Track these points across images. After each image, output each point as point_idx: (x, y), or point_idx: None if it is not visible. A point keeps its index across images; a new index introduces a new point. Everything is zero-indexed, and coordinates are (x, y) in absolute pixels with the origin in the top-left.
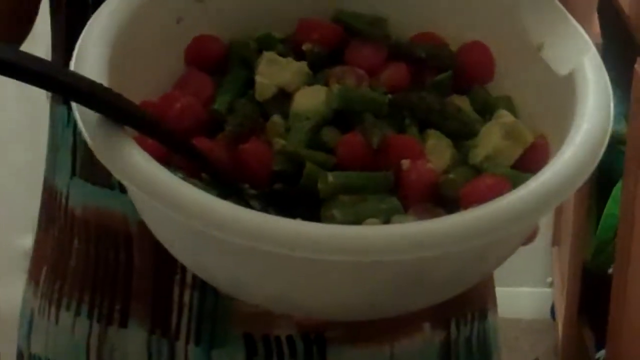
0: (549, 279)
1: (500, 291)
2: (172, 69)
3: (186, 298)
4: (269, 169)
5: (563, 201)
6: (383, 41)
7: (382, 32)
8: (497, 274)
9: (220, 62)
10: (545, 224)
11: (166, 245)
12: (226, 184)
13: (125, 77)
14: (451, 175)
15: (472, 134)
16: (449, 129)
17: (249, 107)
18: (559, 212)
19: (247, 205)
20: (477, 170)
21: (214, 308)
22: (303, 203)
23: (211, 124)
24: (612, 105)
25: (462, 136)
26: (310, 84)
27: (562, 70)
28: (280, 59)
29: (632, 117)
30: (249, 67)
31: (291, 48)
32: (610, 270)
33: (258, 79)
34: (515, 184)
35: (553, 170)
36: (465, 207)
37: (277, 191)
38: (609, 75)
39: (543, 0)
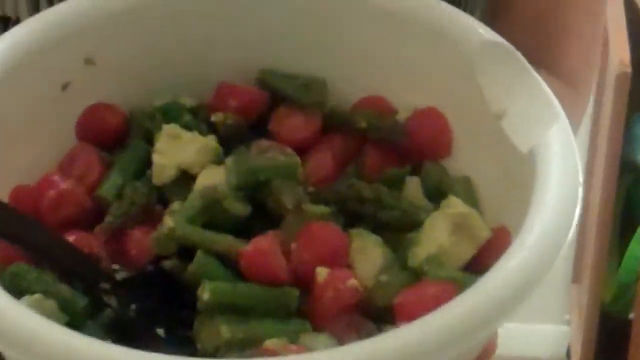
0: (567, 317)
1: (516, 327)
2: (58, 145)
3: None
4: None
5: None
6: (317, 109)
7: (316, 97)
8: None
9: (119, 136)
10: (566, 257)
11: None
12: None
13: None
14: (382, 278)
15: (416, 225)
16: (385, 220)
17: (140, 193)
18: (580, 246)
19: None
20: (417, 274)
21: None
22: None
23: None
24: (580, 191)
25: (403, 229)
26: (220, 162)
27: (524, 145)
28: (184, 133)
29: None
30: (151, 142)
31: (203, 119)
32: (630, 316)
33: (156, 158)
34: (462, 288)
35: (495, 280)
36: (399, 322)
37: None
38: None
39: (503, 55)
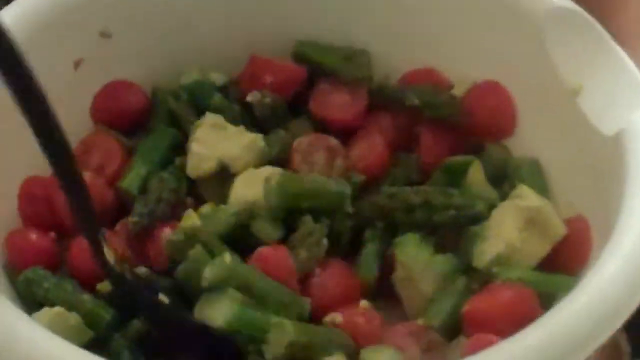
0: None
1: None
2: (71, 130)
3: None
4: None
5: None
6: (362, 84)
7: (361, 71)
8: None
9: (139, 118)
10: None
11: None
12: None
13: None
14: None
15: (478, 218)
16: (440, 223)
17: (168, 188)
18: None
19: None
20: (484, 276)
21: None
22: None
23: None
24: None
25: (463, 225)
26: (264, 162)
27: (607, 128)
28: (229, 126)
29: None
30: (178, 126)
31: (235, 97)
32: None
33: (195, 147)
34: (541, 294)
35: (597, 287)
36: (468, 333)
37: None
38: None
39: (582, 24)
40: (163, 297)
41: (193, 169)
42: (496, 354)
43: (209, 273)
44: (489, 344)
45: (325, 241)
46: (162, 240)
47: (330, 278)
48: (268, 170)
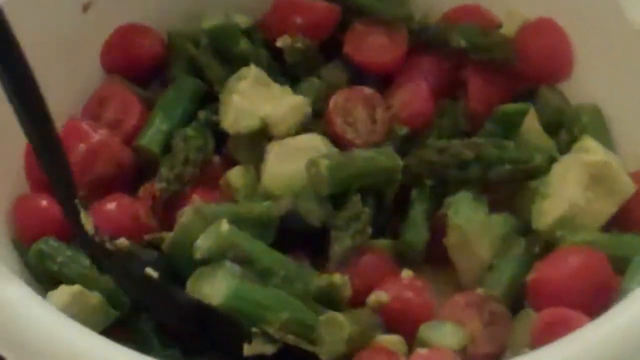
0: None
1: None
2: (81, 81)
3: None
4: None
5: None
6: (401, 24)
7: (400, 9)
8: None
9: (155, 66)
10: None
11: None
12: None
13: None
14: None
15: (537, 172)
16: (496, 179)
17: (195, 147)
18: None
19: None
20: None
21: None
22: None
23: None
24: None
25: (520, 180)
26: (304, 127)
27: None
28: (273, 84)
29: None
30: (200, 76)
31: (261, 42)
32: None
33: (237, 101)
34: (613, 258)
35: None
36: (535, 304)
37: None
38: None
39: None
40: (151, 271)
41: (233, 125)
42: (584, 338)
43: (203, 243)
44: (566, 320)
45: (369, 229)
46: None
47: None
48: (305, 140)
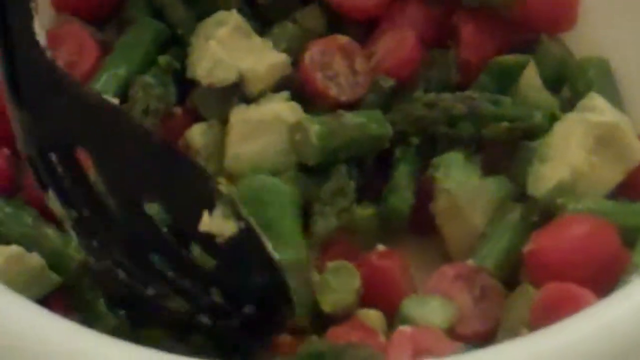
0: None
1: None
2: None
3: None
4: None
5: None
6: None
7: None
8: None
9: (112, 5)
10: None
11: None
12: None
13: None
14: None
15: (535, 131)
16: (490, 138)
17: (155, 95)
18: None
19: None
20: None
21: None
22: None
23: None
24: None
25: (516, 140)
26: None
27: None
28: (256, 36)
29: None
30: (160, 17)
31: None
32: None
33: (215, 49)
34: (620, 228)
35: None
36: (532, 279)
37: None
38: None
39: None
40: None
41: (206, 75)
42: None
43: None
44: (572, 297)
45: (355, 205)
46: None
47: None
48: (271, 111)
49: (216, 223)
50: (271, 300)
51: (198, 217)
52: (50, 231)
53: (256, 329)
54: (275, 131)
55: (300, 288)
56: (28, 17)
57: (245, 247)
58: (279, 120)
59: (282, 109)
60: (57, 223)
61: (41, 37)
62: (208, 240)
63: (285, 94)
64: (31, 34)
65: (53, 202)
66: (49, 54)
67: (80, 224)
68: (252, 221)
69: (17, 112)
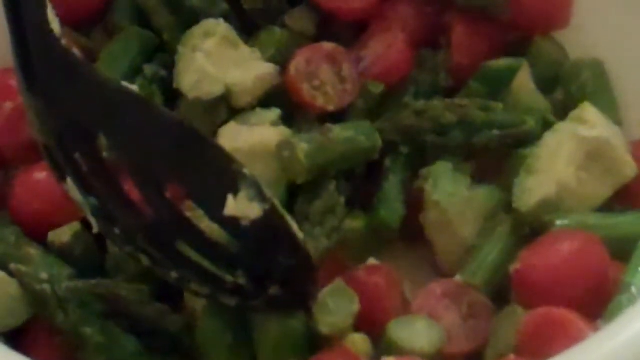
0: None
1: None
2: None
3: None
4: None
5: None
6: None
7: None
8: None
9: (97, 11)
10: None
11: None
12: None
13: None
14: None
15: (526, 139)
16: (481, 146)
17: None
18: None
19: None
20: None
21: None
22: None
23: None
24: None
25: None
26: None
27: None
28: (242, 44)
29: None
30: (146, 25)
31: None
32: None
33: (203, 62)
34: (609, 239)
35: None
36: (520, 299)
37: None
38: None
39: None
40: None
41: (192, 88)
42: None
43: None
44: (560, 324)
45: (344, 224)
46: None
47: None
48: (260, 142)
49: (241, 207)
50: (296, 280)
51: (223, 201)
52: (33, 250)
53: (280, 309)
54: (266, 162)
55: None
56: (41, 5)
57: (270, 229)
58: (270, 151)
59: (272, 138)
60: (40, 242)
61: (55, 25)
62: (233, 223)
63: (275, 112)
64: (45, 21)
65: (72, 190)
66: (63, 41)
67: (101, 211)
68: (277, 202)
69: (31, 99)
